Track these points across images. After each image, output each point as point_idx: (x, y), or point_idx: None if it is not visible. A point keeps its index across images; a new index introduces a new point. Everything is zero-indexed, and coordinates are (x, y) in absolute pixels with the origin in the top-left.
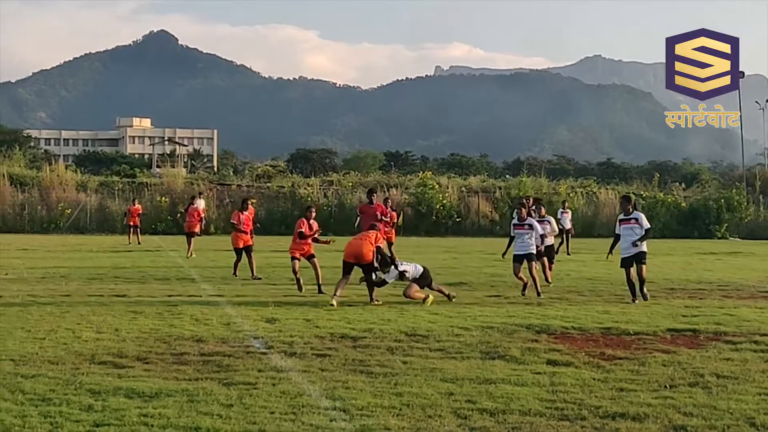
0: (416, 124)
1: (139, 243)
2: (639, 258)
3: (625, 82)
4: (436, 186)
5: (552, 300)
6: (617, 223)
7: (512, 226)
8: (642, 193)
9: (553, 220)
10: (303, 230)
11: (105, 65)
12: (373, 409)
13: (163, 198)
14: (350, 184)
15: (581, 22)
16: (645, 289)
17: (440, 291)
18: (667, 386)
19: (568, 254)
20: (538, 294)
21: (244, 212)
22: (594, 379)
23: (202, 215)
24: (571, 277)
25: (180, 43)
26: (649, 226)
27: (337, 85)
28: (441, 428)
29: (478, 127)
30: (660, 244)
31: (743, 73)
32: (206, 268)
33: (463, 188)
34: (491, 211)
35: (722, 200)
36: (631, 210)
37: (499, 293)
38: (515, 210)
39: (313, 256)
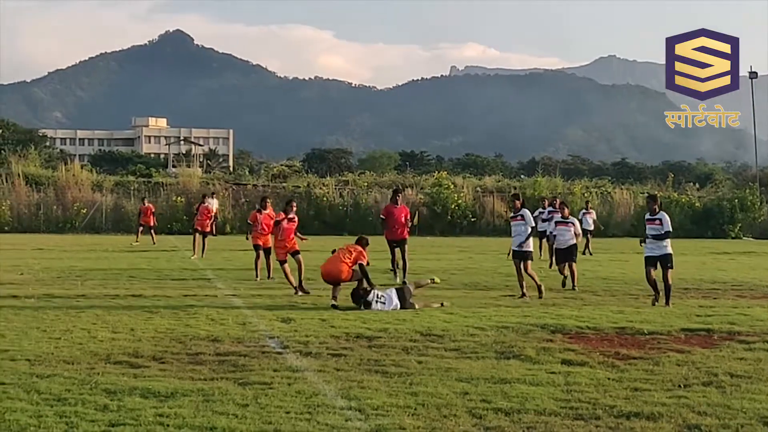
0: (431, 124)
1: (153, 243)
2: (664, 261)
3: (638, 82)
4: (451, 186)
5: (567, 300)
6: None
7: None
8: (656, 193)
9: (576, 222)
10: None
11: (121, 65)
12: (388, 409)
13: (179, 198)
14: (365, 184)
15: (595, 23)
16: (670, 301)
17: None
18: (681, 386)
19: (590, 254)
20: (523, 295)
21: (264, 211)
22: (609, 378)
23: (213, 214)
24: (586, 276)
25: (196, 42)
26: (670, 229)
27: (353, 85)
28: (456, 428)
29: (493, 127)
30: (674, 244)
31: (756, 73)
32: (222, 269)
33: (478, 188)
34: (506, 211)
35: (736, 200)
36: (657, 210)
37: (514, 293)
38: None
39: (297, 252)
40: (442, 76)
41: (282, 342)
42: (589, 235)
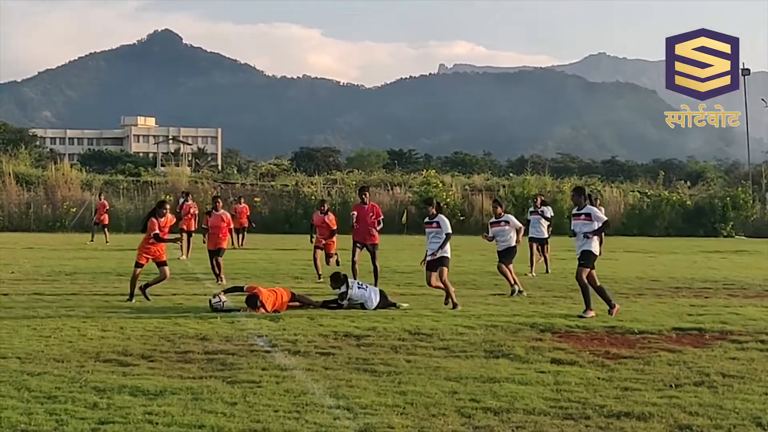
0: (420, 123)
1: (106, 242)
2: (580, 257)
3: (628, 79)
4: (440, 184)
5: (556, 299)
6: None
7: (489, 225)
8: (647, 191)
9: (513, 219)
10: (157, 231)
11: (110, 64)
12: (376, 408)
13: (168, 196)
14: (354, 182)
15: (585, 20)
16: (587, 309)
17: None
18: (673, 385)
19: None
20: (514, 292)
21: (215, 213)
22: (599, 378)
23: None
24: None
25: (184, 42)
26: (605, 218)
27: (341, 84)
28: (445, 427)
29: (481, 126)
30: (665, 243)
31: (749, 70)
32: (210, 267)
33: (467, 186)
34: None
35: (728, 198)
36: (583, 203)
37: (503, 292)
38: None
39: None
40: (430, 74)
41: (270, 340)
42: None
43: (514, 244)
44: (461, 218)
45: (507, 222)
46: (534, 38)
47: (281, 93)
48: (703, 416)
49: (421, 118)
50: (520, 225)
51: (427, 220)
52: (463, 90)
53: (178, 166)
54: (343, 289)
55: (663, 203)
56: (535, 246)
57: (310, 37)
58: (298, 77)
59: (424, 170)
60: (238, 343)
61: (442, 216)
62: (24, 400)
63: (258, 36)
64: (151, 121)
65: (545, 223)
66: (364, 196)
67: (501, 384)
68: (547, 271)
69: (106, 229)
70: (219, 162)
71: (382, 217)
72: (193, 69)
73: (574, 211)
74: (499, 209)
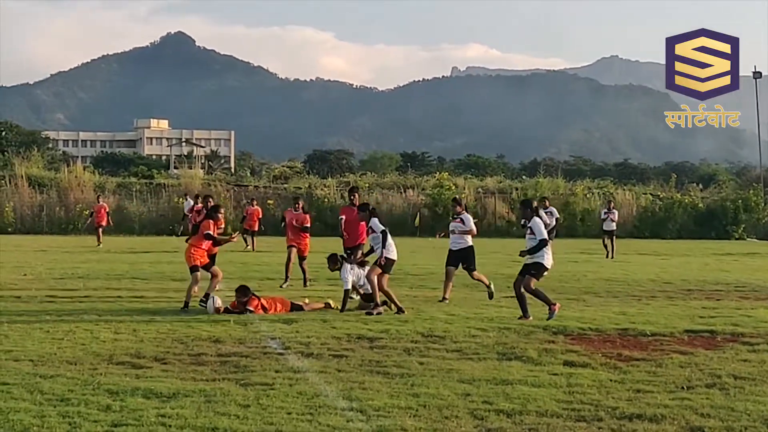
0: (433, 125)
1: (98, 244)
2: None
3: (641, 82)
4: (453, 187)
5: (569, 301)
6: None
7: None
8: (659, 193)
9: (469, 219)
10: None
11: (123, 67)
12: (389, 410)
13: (181, 199)
14: (367, 185)
15: (598, 23)
16: (525, 315)
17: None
18: (684, 387)
19: (612, 257)
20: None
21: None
22: (611, 380)
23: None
24: (588, 278)
25: (197, 44)
26: (545, 236)
27: (354, 86)
28: (458, 429)
29: (494, 128)
30: (677, 245)
31: (760, 73)
32: (223, 269)
33: (480, 189)
34: (508, 212)
35: (739, 201)
36: (459, 210)
37: (514, 294)
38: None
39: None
40: (443, 76)
41: (283, 343)
42: (613, 238)
43: (470, 243)
44: (474, 221)
45: (462, 221)
46: (546, 41)
47: (294, 96)
48: (715, 418)
49: (434, 120)
50: (473, 228)
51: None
52: (475, 93)
53: (191, 168)
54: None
55: (675, 206)
56: None
57: (323, 39)
58: (311, 80)
59: (437, 173)
60: (252, 346)
61: (467, 215)
62: (37, 402)
63: (271, 38)
64: (164, 124)
65: (552, 222)
66: (353, 197)
67: (514, 386)
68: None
69: (99, 230)
70: (232, 164)
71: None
72: (207, 71)
73: (523, 223)
74: (458, 207)
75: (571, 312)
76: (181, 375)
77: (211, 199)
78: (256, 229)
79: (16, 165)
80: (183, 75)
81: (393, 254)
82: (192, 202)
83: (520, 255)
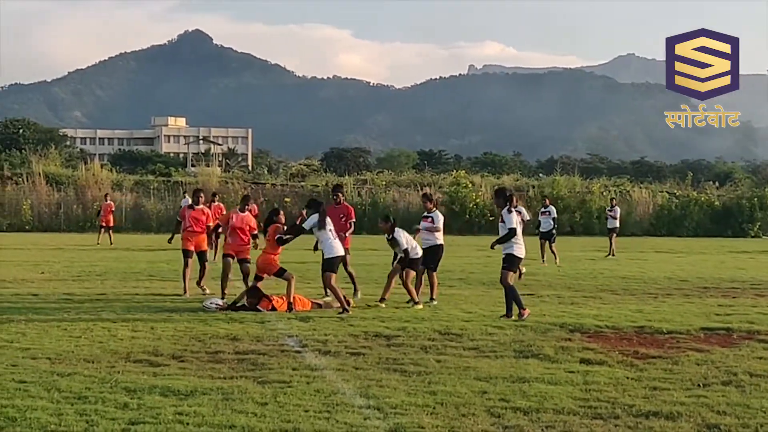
0: (450, 123)
1: (111, 243)
2: (503, 260)
3: (658, 80)
4: (470, 185)
5: (585, 299)
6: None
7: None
8: (676, 191)
9: (438, 217)
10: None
11: (140, 64)
12: (407, 408)
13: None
14: (384, 183)
15: (615, 21)
16: (509, 311)
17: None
18: (701, 385)
19: (613, 255)
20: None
21: (196, 207)
22: (627, 377)
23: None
24: (604, 275)
25: (215, 42)
26: (513, 226)
27: (371, 84)
28: (475, 427)
29: (511, 126)
30: (693, 243)
31: None
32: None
33: (496, 187)
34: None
35: (755, 199)
36: (430, 207)
37: (533, 292)
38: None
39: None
40: (460, 74)
41: (301, 341)
42: (614, 235)
43: (440, 242)
44: (491, 218)
45: (432, 220)
46: (563, 39)
47: (312, 93)
48: (731, 415)
49: (451, 118)
50: (440, 228)
51: (425, 214)
52: (492, 90)
53: (208, 166)
54: (314, 218)
55: (691, 204)
56: (544, 241)
57: (340, 37)
58: (328, 78)
59: (454, 171)
60: (269, 344)
61: (437, 213)
62: (54, 400)
63: (289, 36)
64: (181, 122)
65: (551, 221)
66: (337, 196)
67: (530, 384)
68: (555, 261)
69: (110, 231)
70: (249, 162)
71: (354, 219)
72: (224, 69)
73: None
74: (428, 204)
75: (587, 309)
76: (198, 373)
77: (201, 193)
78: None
79: (33, 163)
80: (200, 73)
81: (418, 253)
82: (189, 200)
83: (491, 247)
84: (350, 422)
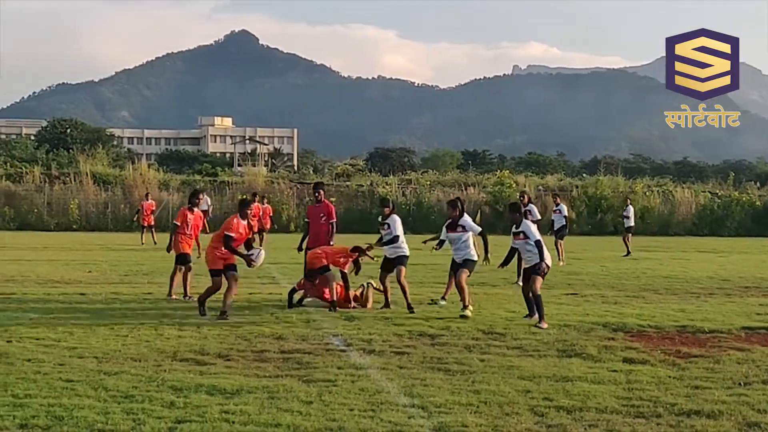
0: (494, 123)
1: (154, 242)
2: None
3: None
4: (514, 185)
5: (629, 298)
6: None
7: (445, 229)
8: (717, 192)
9: (396, 221)
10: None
11: (187, 65)
12: (450, 407)
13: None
14: (428, 182)
15: (657, 22)
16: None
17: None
18: (742, 384)
19: (627, 253)
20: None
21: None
22: (669, 376)
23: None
24: (647, 275)
25: (261, 42)
26: (479, 229)
27: (416, 85)
28: (518, 425)
29: (554, 126)
30: (734, 243)
31: None
32: (286, 266)
33: (540, 187)
34: (569, 210)
35: None
36: (387, 212)
37: (576, 291)
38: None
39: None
40: (504, 75)
41: (346, 340)
42: (629, 235)
43: (474, 257)
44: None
45: (463, 227)
46: (605, 40)
47: (356, 93)
48: None
49: (495, 118)
50: (479, 228)
51: (449, 223)
52: (536, 91)
53: (254, 166)
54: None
55: (733, 204)
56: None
57: (385, 37)
58: (373, 78)
59: (498, 170)
60: (314, 343)
61: (466, 218)
62: (101, 399)
63: (334, 37)
64: (227, 122)
65: (564, 219)
66: (317, 194)
67: (573, 383)
68: (559, 259)
69: (153, 230)
70: (295, 162)
71: (335, 219)
72: (270, 69)
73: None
74: (386, 210)
75: (630, 309)
76: (244, 372)
77: (200, 194)
78: (269, 227)
79: (81, 162)
80: (246, 73)
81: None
82: (209, 201)
83: (499, 267)
84: (395, 421)
